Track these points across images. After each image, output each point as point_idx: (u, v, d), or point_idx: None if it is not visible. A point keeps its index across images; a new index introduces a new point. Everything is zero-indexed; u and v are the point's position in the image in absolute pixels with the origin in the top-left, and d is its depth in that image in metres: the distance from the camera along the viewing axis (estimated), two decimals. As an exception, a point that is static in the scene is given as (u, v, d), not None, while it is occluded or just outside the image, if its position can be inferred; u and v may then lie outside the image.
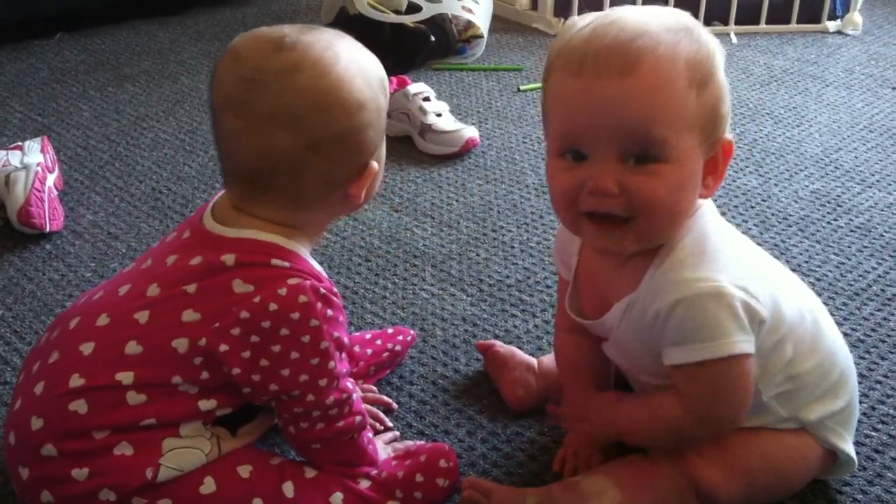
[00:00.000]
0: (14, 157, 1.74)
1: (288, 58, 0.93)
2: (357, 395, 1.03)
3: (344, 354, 1.01)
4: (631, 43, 0.88)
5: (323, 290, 0.96)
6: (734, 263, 0.94)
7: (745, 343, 0.92)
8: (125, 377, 0.94)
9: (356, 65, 0.96)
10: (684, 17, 0.94)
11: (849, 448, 1.05)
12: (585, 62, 0.89)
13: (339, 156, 0.97)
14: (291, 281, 0.95)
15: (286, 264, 0.96)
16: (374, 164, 1.00)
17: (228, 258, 0.96)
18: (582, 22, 0.93)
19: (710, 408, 0.97)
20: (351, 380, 1.03)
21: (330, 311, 0.97)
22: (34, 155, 1.76)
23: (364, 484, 1.03)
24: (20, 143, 1.82)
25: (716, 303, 0.91)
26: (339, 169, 0.98)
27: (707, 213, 0.98)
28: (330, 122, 0.94)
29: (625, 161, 0.89)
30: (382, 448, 1.11)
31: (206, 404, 0.96)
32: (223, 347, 0.94)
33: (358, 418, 1.02)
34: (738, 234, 1.06)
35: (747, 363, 0.93)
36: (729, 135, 0.95)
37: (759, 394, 0.99)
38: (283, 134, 0.93)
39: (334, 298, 0.98)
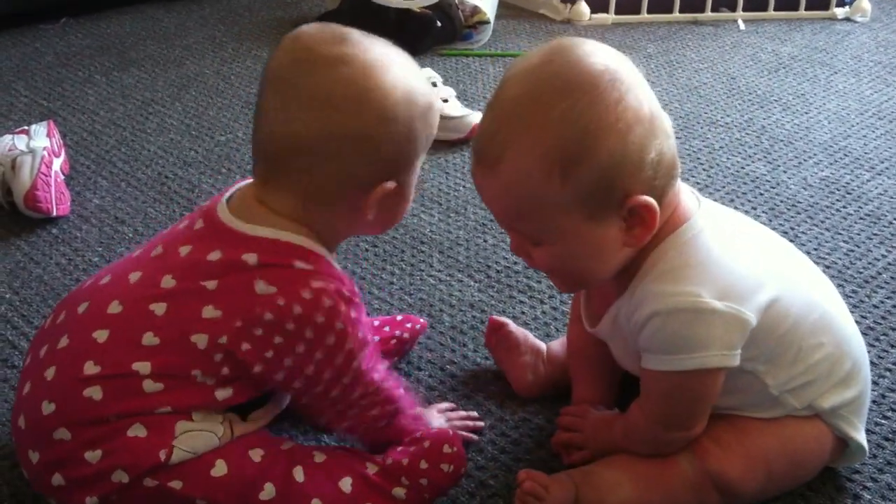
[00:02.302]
0: (20, 142, 1.74)
1: (342, 50, 0.95)
2: (390, 382, 1.04)
3: (371, 349, 1.01)
4: (495, 138, 0.91)
5: (347, 293, 0.96)
6: (721, 273, 0.93)
7: (720, 357, 0.92)
8: (142, 367, 0.94)
9: (405, 85, 0.97)
10: (581, 74, 0.89)
11: (860, 437, 1.05)
12: (473, 152, 0.96)
13: (355, 157, 0.96)
14: (315, 283, 0.94)
15: (309, 267, 0.96)
16: (388, 184, 0.98)
17: (250, 257, 0.96)
18: (499, 84, 0.95)
19: (666, 415, 0.99)
20: (383, 367, 1.03)
21: (354, 313, 0.97)
22: (40, 139, 1.76)
23: (371, 469, 1.03)
24: (26, 128, 1.82)
25: (692, 318, 0.91)
26: (351, 170, 0.97)
27: (697, 225, 0.96)
28: (357, 119, 0.94)
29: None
30: (436, 418, 1.14)
31: (222, 393, 0.96)
32: (245, 346, 0.94)
33: (391, 406, 1.04)
34: (741, 228, 1.05)
35: (717, 377, 0.95)
36: (644, 197, 0.90)
37: (766, 389, 0.99)
38: (312, 116, 0.94)
39: (356, 300, 0.98)
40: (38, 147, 1.71)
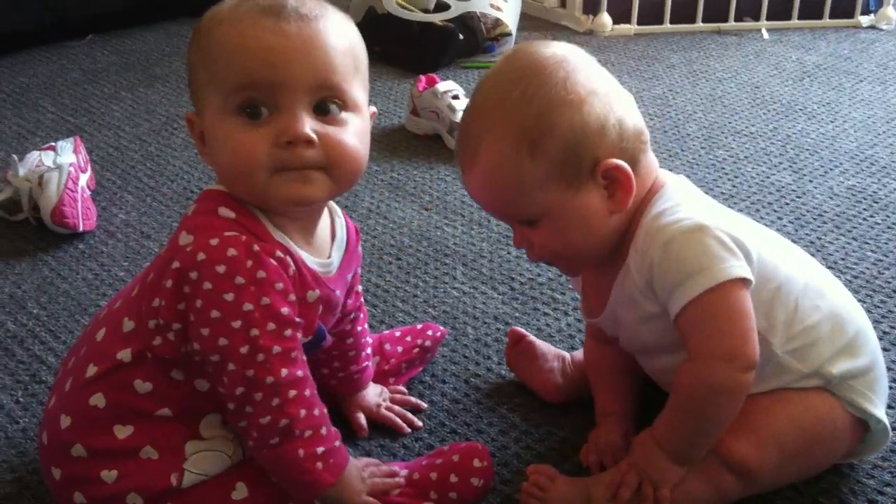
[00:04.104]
0: (47, 158, 1.75)
1: None
2: (300, 395, 0.92)
3: (290, 332, 0.91)
4: (468, 134, 1.00)
5: (257, 248, 0.89)
6: (708, 212, 0.99)
7: (738, 267, 0.94)
8: (124, 355, 0.94)
9: (213, 11, 0.94)
10: (531, 62, 0.98)
11: (879, 412, 1.04)
12: (455, 153, 1.04)
13: (192, 79, 0.96)
14: (228, 233, 0.89)
15: (231, 215, 0.92)
16: (192, 113, 0.97)
17: (191, 208, 0.96)
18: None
19: (716, 343, 0.94)
20: (302, 374, 0.92)
21: (262, 273, 0.88)
22: (67, 155, 1.77)
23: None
24: (53, 144, 1.83)
25: (700, 234, 0.95)
26: (189, 92, 0.98)
27: (672, 186, 1.02)
28: (191, 46, 0.96)
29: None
30: (359, 480, 1.00)
31: (201, 384, 0.95)
32: (162, 303, 0.91)
33: (284, 421, 0.91)
34: (714, 202, 1.08)
35: (743, 290, 0.95)
36: (613, 160, 0.97)
37: (771, 348, 0.99)
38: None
39: (272, 262, 0.90)
40: (65, 163, 1.73)
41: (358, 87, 0.94)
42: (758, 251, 0.98)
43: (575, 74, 0.96)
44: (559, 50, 0.99)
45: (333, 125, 0.91)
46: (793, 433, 1.01)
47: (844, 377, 1.02)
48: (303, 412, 0.92)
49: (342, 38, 0.92)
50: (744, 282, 0.95)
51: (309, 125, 0.89)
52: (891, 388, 1.13)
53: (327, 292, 0.99)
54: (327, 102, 0.91)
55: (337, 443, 0.96)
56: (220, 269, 0.87)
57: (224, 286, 0.87)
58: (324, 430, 0.95)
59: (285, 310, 0.90)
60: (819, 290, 1.04)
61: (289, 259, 0.92)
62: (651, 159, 1.02)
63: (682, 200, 1.00)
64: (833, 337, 1.02)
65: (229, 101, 0.90)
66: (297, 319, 0.92)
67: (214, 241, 0.88)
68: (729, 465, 0.99)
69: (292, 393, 0.91)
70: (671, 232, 0.95)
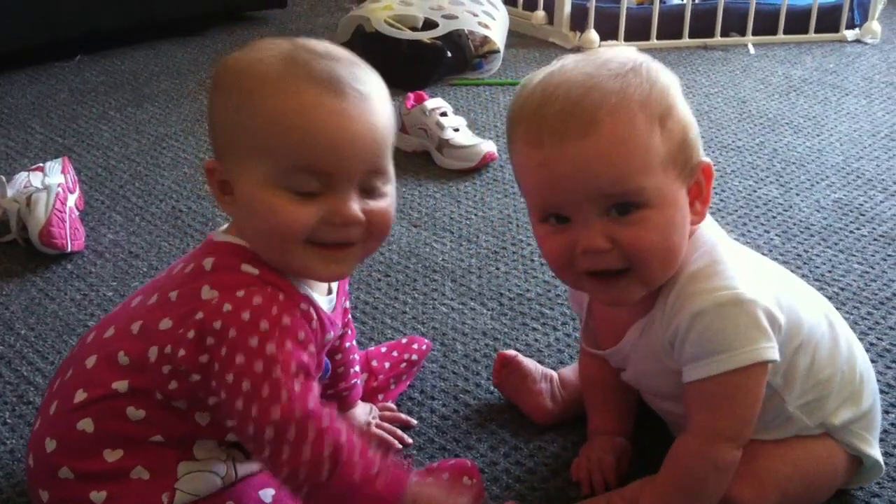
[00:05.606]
0: (35, 178, 1.75)
1: (275, 45, 0.93)
2: (333, 424, 0.89)
3: (304, 378, 0.90)
4: (581, 102, 0.88)
5: (282, 297, 0.91)
6: (746, 272, 0.94)
7: (768, 349, 0.91)
8: (120, 385, 0.93)
9: (258, 64, 0.92)
10: (631, 56, 0.94)
11: (875, 452, 1.04)
12: (543, 131, 0.89)
13: (222, 132, 0.94)
14: (253, 287, 0.91)
15: (255, 272, 0.92)
16: (211, 162, 0.95)
17: (208, 262, 0.95)
18: (532, 83, 0.93)
19: (724, 424, 0.94)
20: (322, 407, 0.90)
21: (287, 320, 0.89)
22: (55, 176, 1.77)
23: None
24: (41, 164, 1.83)
25: (736, 310, 0.91)
26: (215, 141, 0.96)
27: (708, 230, 0.99)
28: (225, 97, 0.93)
29: (608, 214, 0.90)
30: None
31: (202, 417, 0.95)
32: (181, 353, 0.91)
33: (328, 449, 0.87)
34: (742, 247, 1.06)
35: (764, 372, 0.93)
36: (704, 157, 0.95)
37: (783, 405, 0.99)
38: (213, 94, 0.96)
39: (296, 311, 0.92)
40: (53, 184, 1.72)
41: (391, 156, 0.96)
42: (788, 307, 0.95)
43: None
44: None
45: (376, 200, 0.94)
46: (794, 477, 1.00)
47: (845, 424, 1.02)
48: (342, 436, 0.88)
49: (386, 109, 0.94)
50: (768, 364, 0.92)
51: (358, 206, 0.91)
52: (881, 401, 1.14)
53: (337, 330, 1.02)
54: (373, 181, 0.93)
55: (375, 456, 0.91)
56: (246, 315, 0.88)
57: (249, 331, 0.88)
58: (359, 448, 0.90)
59: (305, 357, 0.91)
60: (835, 338, 1.03)
61: (311, 311, 0.95)
62: None
63: (720, 258, 0.95)
64: (842, 388, 1.02)
65: (281, 176, 0.89)
66: (313, 372, 0.93)
67: (241, 293, 0.90)
68: None
69: (325, 421, 0.88)
70: (705, 303, 0.91)
